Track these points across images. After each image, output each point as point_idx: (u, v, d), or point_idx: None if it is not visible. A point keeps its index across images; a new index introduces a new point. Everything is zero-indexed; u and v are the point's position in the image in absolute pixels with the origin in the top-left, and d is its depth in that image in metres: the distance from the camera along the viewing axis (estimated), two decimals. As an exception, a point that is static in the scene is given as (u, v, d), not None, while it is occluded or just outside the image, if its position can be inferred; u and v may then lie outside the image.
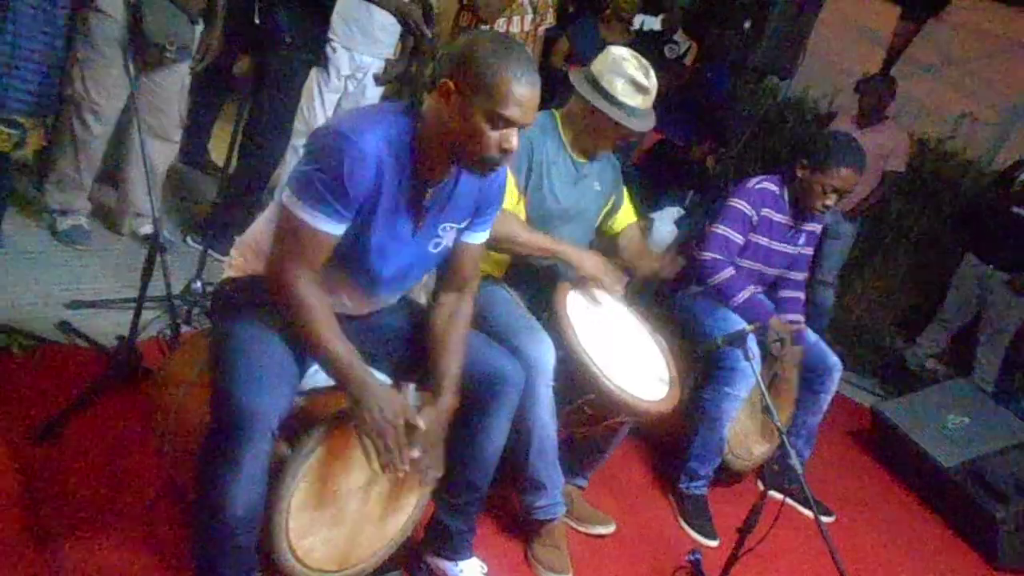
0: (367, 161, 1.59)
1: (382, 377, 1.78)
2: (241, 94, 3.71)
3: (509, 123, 1.60)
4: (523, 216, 2.34)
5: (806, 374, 3.00)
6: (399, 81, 3.69)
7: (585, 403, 2.21)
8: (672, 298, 3.10)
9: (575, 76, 2.32)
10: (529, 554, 2.32)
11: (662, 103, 2.36)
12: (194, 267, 2.96)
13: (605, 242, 2.65)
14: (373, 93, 3.58)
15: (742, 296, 2.77)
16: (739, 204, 2.83)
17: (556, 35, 4.67)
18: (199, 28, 3.11)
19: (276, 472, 1.61)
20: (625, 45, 2.50)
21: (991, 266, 4.48)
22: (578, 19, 5.04)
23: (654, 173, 4.88)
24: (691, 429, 2.79)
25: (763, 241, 2.89)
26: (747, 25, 3.96)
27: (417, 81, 3.88)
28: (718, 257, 2.78)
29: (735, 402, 2.73)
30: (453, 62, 1.60)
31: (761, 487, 2.12)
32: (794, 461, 2.06)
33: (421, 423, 1.65)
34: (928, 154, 5.62)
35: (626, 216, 2.64)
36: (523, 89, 1.58)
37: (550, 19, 4.47)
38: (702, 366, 2.81)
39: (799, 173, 2.80)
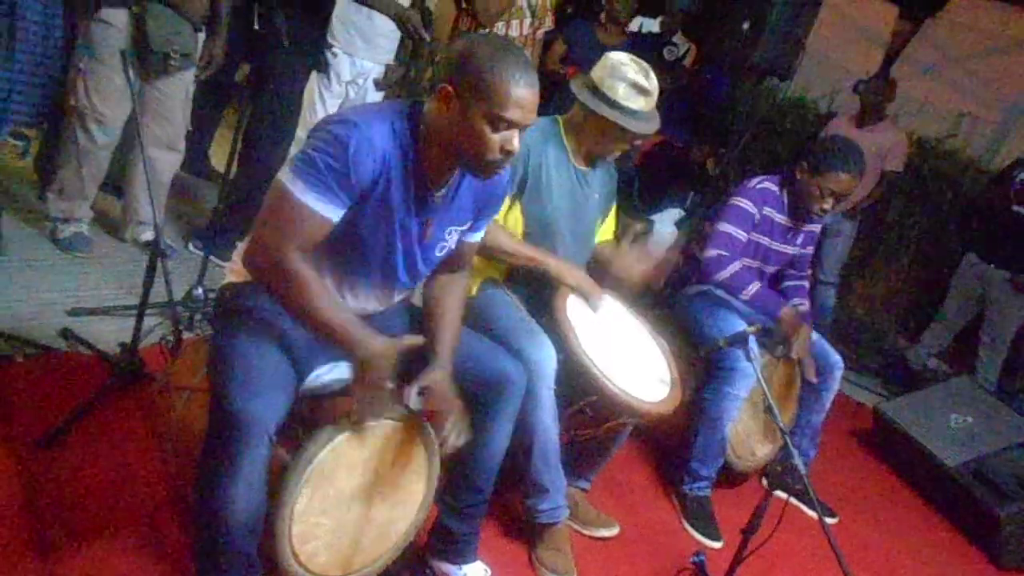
0: (375, 150, 1.60)
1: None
2: (241, 101, 3.72)
3: (510, 124, 1.61)
4: (519, 220, 2.34)
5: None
6: (399, 86, 3.70)
7: (587, 405, 2.21)
8: (672, 299, 3.10)
9: (576, 85, 2.31)
10: (533, 557, 2.32)
11: (662, 105, 2.36)
12: (196, 273, 2.97)
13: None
14: (374, 98, 3.59)
15: (752, 288, 2.77)
16: (742, 202, 2.84)
17: (552, 38, 4.67)
18: (202, 36, 3.11)
19: (279, 477, 1.61)
20: (623, 48, 2.50)
21: (992, 265, 4.48)
22: (573, 21, 5.04)
23: (654, 175, 4.88)
24: (692, 430, 2.80)
25: (764, 240, 2.90)
26: (746, 26, 3.95)
27: (416, 85, 3.89)
28: (723, 253, 2.78)
29: (736, 402, 2.74)
30: (452, 66, 1.61)
31: (765, 487, 2.12)
32: (797, 461, 2.06)
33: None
34: (928, 153, 5.61)
35: (605, 232, 2.61)
36: (522, 90, 1.59)
37: (548, 23, 4.47)
38: (703, 367, 2.81)
39: (799, 175, 2.82)
